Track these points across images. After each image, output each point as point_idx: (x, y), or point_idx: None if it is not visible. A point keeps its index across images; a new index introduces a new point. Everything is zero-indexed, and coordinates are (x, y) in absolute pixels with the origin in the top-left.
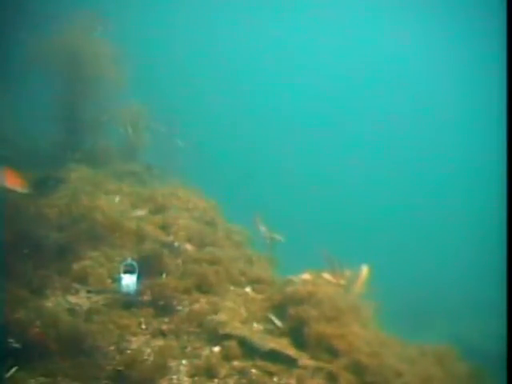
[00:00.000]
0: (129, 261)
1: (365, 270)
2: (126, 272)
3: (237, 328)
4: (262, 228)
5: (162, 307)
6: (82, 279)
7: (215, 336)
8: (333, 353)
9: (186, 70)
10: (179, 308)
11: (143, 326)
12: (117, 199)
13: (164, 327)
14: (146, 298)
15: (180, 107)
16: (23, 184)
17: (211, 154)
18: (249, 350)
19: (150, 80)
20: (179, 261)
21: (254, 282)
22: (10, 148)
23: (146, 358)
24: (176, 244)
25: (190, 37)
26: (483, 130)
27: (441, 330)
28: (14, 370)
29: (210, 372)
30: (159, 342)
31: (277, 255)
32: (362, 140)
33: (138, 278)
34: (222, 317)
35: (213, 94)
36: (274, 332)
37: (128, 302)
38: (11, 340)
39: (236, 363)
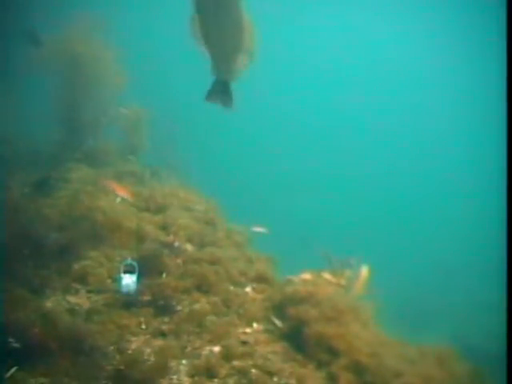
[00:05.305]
0: (129, 261)
1: (365, 270)
2: (126, 272)
3: None
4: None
5: (162, 307)
6: (82, 279)
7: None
8: (333, 353)
9: (187, 71)
10: (179, 308)
11: (143, 326)
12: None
13: (164, 327)
14: (146, 298)
15: (180, 108)
16: (130, 193)
17: (211, 153)
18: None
19: (151, 81)
20: (179, 261)
21: (254, 281)
22: (10, 148)
23: (146, 357)
24: (176, 244)
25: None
26: (483, 130)
27: (441, 330)
28: (13, 369)
29: (210, 372)
30: (159, 342)
31: (277, 255)
32: (362, 140)
33: (138, 278)
34: None
35: None
36: (274, 332)
37: (128, 302)
38: (11, 340)
39: (236, 363)
